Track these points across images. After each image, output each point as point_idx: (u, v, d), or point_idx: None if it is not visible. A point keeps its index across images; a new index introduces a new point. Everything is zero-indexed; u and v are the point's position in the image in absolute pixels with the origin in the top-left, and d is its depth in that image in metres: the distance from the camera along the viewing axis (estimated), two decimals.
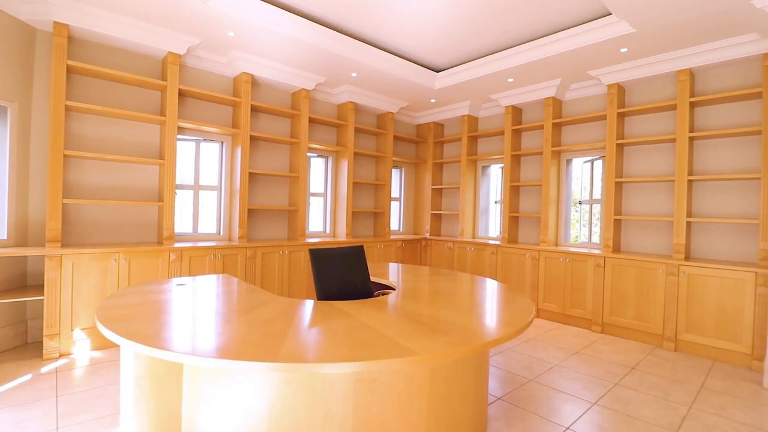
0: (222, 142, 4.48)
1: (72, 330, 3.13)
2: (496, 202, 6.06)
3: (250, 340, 1.46)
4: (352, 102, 5.23)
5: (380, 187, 5.86)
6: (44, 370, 2.82)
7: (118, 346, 3.27)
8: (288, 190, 4.99)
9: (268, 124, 4.80)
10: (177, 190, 4.21)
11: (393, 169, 6.48)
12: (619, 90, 4.27)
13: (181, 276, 3.67)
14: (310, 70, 4.57)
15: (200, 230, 4.38)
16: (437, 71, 4.99)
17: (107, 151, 3.70)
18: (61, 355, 3.08)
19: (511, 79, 4.68)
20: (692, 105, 3.84)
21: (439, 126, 6.43)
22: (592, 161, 4.82)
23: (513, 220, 5.28)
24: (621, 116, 4.33)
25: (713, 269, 3.42)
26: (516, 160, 5.33)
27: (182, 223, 4.28)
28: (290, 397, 1.56)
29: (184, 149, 4.28)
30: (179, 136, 4.16)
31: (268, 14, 3.45)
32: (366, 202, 5.91)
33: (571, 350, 3.57)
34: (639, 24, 3.22)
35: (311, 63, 4.32)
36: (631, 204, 4.38)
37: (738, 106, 3.71)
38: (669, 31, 3.33)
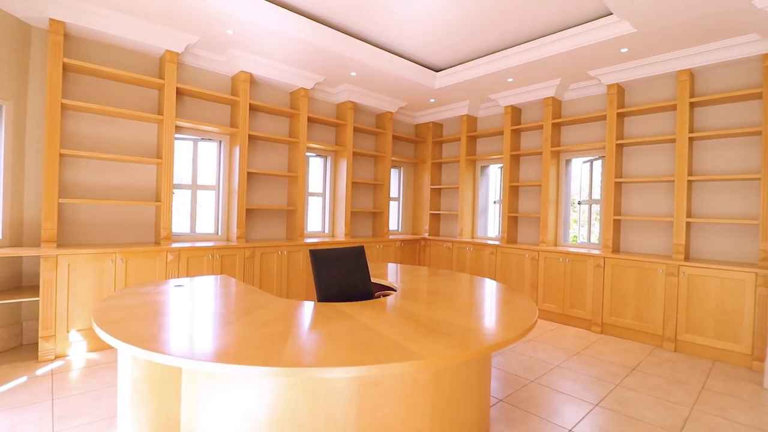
0: (220, 142, 4.44)
1: (68, 331, 3.09)
2: (495, 202, 6.05)
3: (250, 343, 1.43)
4: (351, 101, 5.21)
5: (379, 187, 5.83)
6: (40, 372, 2.78)
7: (115, 348, 3.23)
8: (286, 190, 4.96)
9: (267, 123, 4.76)
10: (174, 190, 4.17)
11: (392, 169, 6.46)
12: (619, 90, 4.26)
13: (178, 277, 3.64)
14: (309, 69, 4.54)
15: (198, 230, 4.34)
16: (437, 71, 4.97)
17: (104, 150, 3.66)
18: (56, 357, 3.04)
19: (510, 79, 4.67)
20: (692, 105, 3.84)
21: (438, 126, 6.41)
22: (591, 161, 4.82)
23: (512, 221, 5.27)
24: (621, 116, 4.33)
25: (713, 270, 3.42)
26: (515, 160, 5.32)
27: (180, 223, 4.24)
28: (291, 402, 1.53)
29: (182, 148, 4.25)
30: (177, 135, 4.12)
31: (268, 12, 3.42)
32: (365, 201, 5.88)
33: (572, 351, 3.56)
34: (640, 24, 3.21)
35: (310, 62, 4.29)
36: (631, 204, 4.38)
37: (738, 107, 3.71)
38: (670, 31, 3.32)
